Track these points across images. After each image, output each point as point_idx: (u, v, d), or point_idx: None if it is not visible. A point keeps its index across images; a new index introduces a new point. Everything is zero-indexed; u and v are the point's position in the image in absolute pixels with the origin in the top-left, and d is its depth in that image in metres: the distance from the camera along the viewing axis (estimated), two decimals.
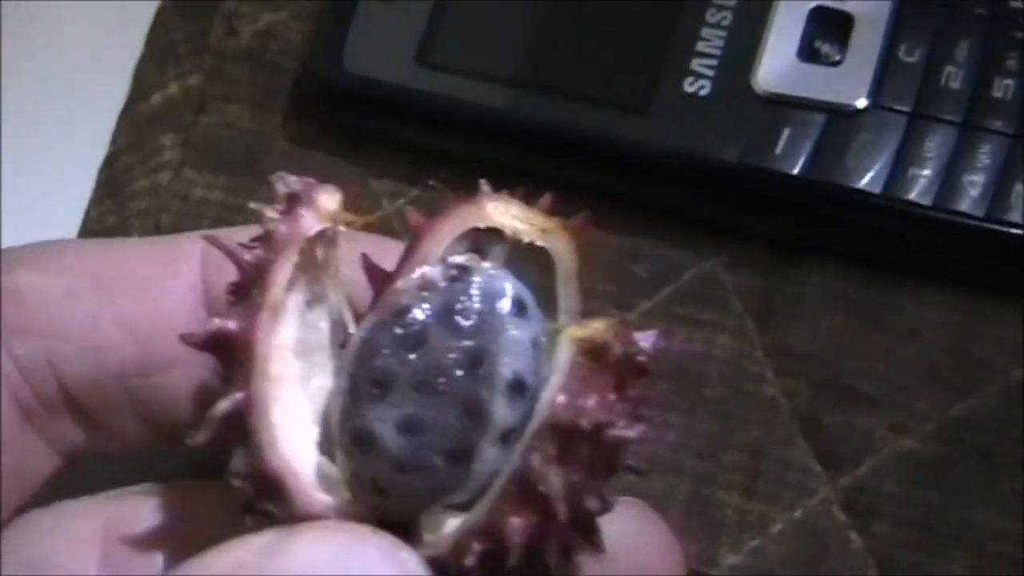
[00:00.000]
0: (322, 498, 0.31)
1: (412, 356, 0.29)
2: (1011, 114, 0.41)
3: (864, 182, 0.41)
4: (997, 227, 0.40)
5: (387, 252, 0.34)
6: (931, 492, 0.41)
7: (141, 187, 0.47)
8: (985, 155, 0.41)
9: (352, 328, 0.32)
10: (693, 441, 0.42)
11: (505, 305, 0.30)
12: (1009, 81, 0.41)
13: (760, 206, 0.42)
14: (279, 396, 0.31)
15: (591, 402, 0.28)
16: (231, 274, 0.36)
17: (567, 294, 0.32)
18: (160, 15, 0.50)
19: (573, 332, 0.29)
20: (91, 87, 0.50)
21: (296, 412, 0.32)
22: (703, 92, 0.42)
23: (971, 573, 0.40)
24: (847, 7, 0.42)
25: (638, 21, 0.43)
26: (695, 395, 0.43)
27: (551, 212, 0.31)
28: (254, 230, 0.37)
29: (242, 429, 0.30)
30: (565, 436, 0.28)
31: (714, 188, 0.42)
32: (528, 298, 0.31)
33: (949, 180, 0.41)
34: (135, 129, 0.48)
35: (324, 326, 0.32)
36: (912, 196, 0.41)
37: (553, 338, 0.30)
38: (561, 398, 0.28)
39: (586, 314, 0.31)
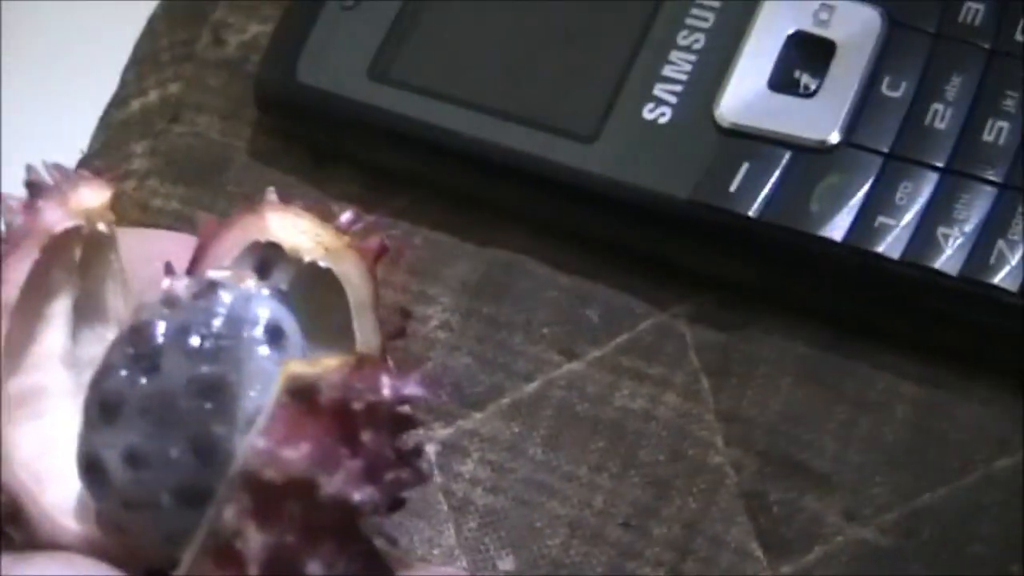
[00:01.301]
0: (72, 528, 0.28)
1: (143, 379, 0.26)
2: (1002, 161, 0.35)
3: (826, 229, 0.36)
4: (972, 289, 0.35)
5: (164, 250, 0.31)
6: None
7: None
8: (966, 206, 0.35)
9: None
10: (620, 508, 0.37)
11: (256, 331, 0.26)
12: (1004, 124, 0.35)
13: (712, 249, 0.38)
14: (34, 409, 0.28)
15: (298, 452, 0.24)
16: None
17: (363, 326, 0.28)
18: (152, 21, 0.48)
19: (292, 368, 0.25)
20: (84, 89, 0.48)
21: (63, 431, 0.29)
22: (662, 120, 0.38)
23: None
24: (829, 33, 0.38)
25: (602, 42, 0.39)
26: (629, 456, 0.38)
27: (349, 231, 0.28)
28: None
29: None
30: (261, 489, 0.24)
31: (664, 226, 0.38)
32: (289, 326, 0.27)
33: (922, 232, 0.35)
34: (110, 134, 0.46)
35: (110, 336, 0.29)
36: (879, 248, 0.36)
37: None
38: (259, 442, 0.25)
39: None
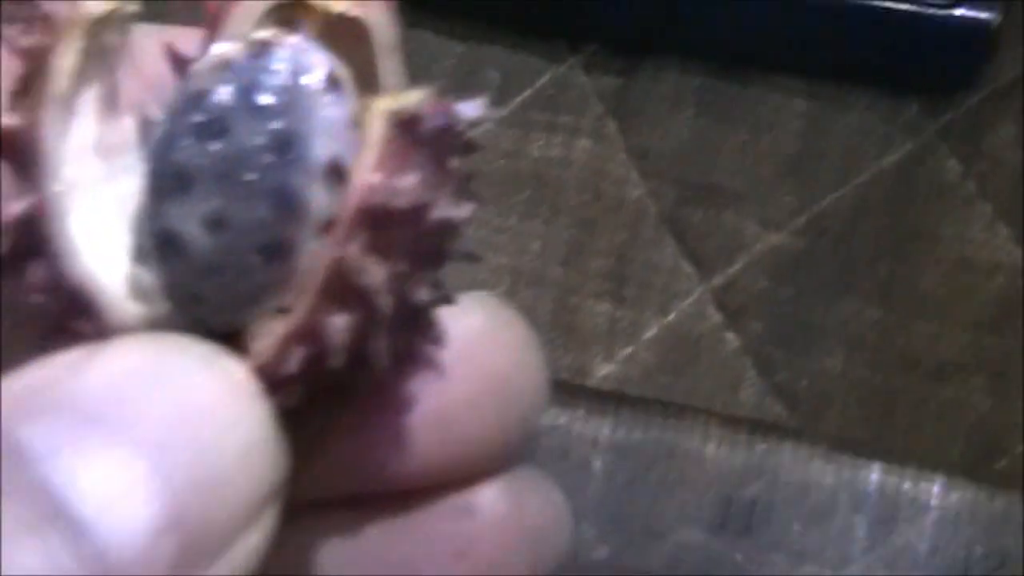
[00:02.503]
0: (137, 310, 0.28)
1: (214, 145, 0.26)
2: None
3: None
4: (860, 1, 0.38)
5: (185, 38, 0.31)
6: (804, 286, 0.40)
7: None
8: None
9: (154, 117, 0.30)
10: (555, 250, 0.40)
11: (315, 81, 0.27)
12: None
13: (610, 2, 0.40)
14: (78, 201, 0.28)
15: (409, 180, 0.26)
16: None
17: (388, 69, 0.29)
18: None
19: (385, 104, 0.26)
20: None
21: (103, 219, 0.29)
22: None
23: (846, 365, 0.39)
24: None
25: None
26: (555, 202, 0.41)
27: None
28: None
29: (35, 239, 0.27)
30: (383, 220, 0.26)
31: None
32: (342, 73, 0.28)
33: None
34: None
35: (129, 124, 0.29)
36: None
37: (364, 114, 0.27)
38: (375, 178, 0.26)
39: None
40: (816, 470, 0.38)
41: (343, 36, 0.29)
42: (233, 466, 0.25)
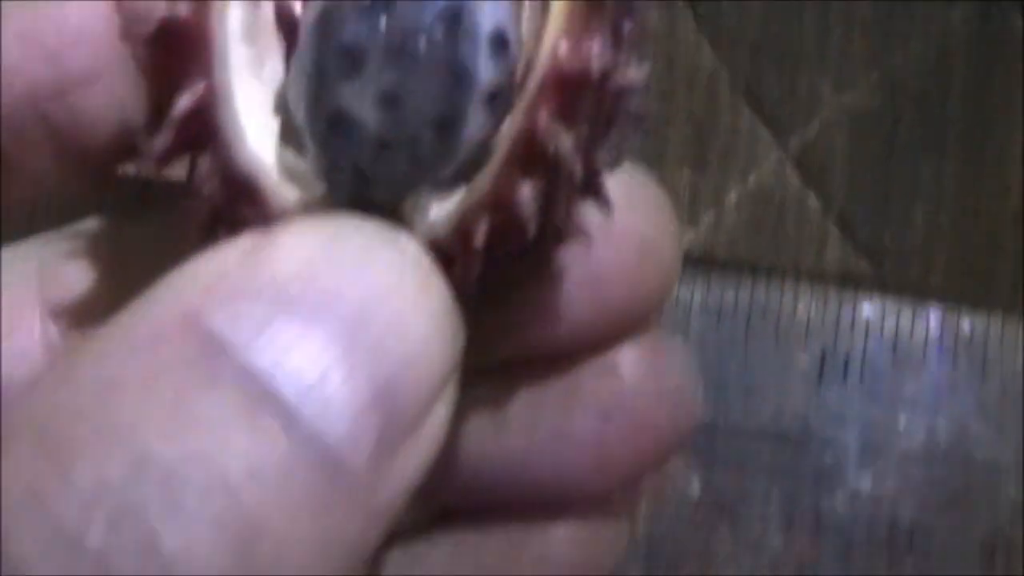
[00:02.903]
0: (295, 195, 0.28)
1: (380, 23, 0.26)
2: None
3: None
4: None
5: None
6: (881, 144, 0.40)
7: None
8: None
9: (299, 10, 0.29)
10: None
11: None
12: None
13: None
14: (239, 87, 0.28)
15: (596, 46, 0.26)
16: None
17: None
18: None
19: None
20: None
21: (253, 104, 0.29)
22: None
23: (927, 218, 0.40)
24: None
25: None
26: None
27: None
28: None
29: (205, 127, 0.27)
30: (571, 87, 0.26)
31: None
32: None
33: None
34: None
35: (267, 5, 0.29)
36: None
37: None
38: (563, 45, 0.26)
39: None
40: (905, 321, 0.39)
41: None
42: (422, 341, 0.25)
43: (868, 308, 0.39)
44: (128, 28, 0.28)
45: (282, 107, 0.29)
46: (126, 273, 0.32)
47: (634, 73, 0.27)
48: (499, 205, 0.26)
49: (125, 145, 0.34)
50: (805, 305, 0.39)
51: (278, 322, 0.25)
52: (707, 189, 0.40)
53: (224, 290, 0.25)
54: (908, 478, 0.38)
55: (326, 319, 0.25)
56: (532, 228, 0.26)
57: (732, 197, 0.40)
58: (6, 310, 0.33)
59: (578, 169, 0.26)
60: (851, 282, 0.39)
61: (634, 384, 0.32)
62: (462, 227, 0.27)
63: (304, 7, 0.29)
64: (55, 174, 0.34)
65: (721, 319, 0.39)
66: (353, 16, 0.27)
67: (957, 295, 0.39)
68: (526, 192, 0.26)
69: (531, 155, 0.26)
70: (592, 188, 0.28)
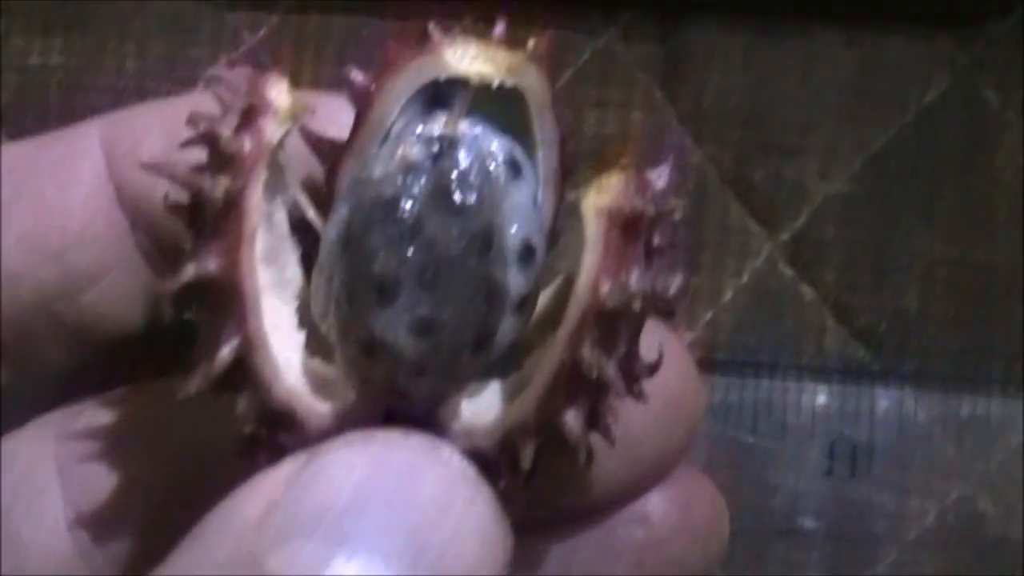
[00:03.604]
0: (329, 408, 0.28)
1: (411, 251, 0.26)
2: None
3: None
4: None
5: (316, 111, 0.31)
6: (870, 231, 0.41)
7: None
8: None
9: (311, 213, 0.29)
10: None
11: (499, 169, 0.27)
12: None
13: None
14: (267, 311, 0.28)
15: (634, 278, 0.26)
16: (145, 160, 0.32)
17: (543, 126, 0.29)
18: None
19: (596, 201, 0.26)
20: None
21: (280, 322, 0.29)
22: None
23: (921, 301, 0.41)
24: None
25: None
26: None
27: (509, 40, 0.29)
28: (157, 109, 0.33)
29: (243, 374, 0.27)
30: (613, 319, 0.26)
31: None
32: (518, 152, 0.28)
33: None
34: None
35: (281, 216, 0.29)
36: None
37: (574, 207, 0.27)
38: (605, 283, 0.26)
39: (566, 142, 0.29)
40: (908, 405, 0.40)
41: (494, 101, 0.29)
42: (476, 555, 0.26)
43: (870, 395, 0.40)
44: (158, 287, 0.27)
45: (306, 318, 0.29)
46: (142, 442, 0.32)
47: (670, 286, 0.27)
48: (544, 428, 0.27)
49: (136, 332, 0.34)
50: (810, 397, 0.40)
51: (337, 561, 0.25)
52: (703, 288, 0.41)
53: (277, 525, 0.25)
54: (921, 563, 0.39)
55: (385, 553, 0.25)
56: (581, 449, 0.27)
57: (728, 295, 0.41)
58: (23, 489, 0.33)
59: (620, 387, 0.27)
60: (852, 371, 0.40)
61: (665, 530, 0.33)
62: (507, 446, 0.27)
63: (324, 216, 0.29)
64: (66, 359, 0.34)
65: (728, 419, 0.40)
66: (383, 244, 0.26)
67: (956, 374, 0.40)
68: (572, 417, 0.26)
69: (575, 382, 0.26)
70: (632, 392, 0.28)
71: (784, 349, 0.40)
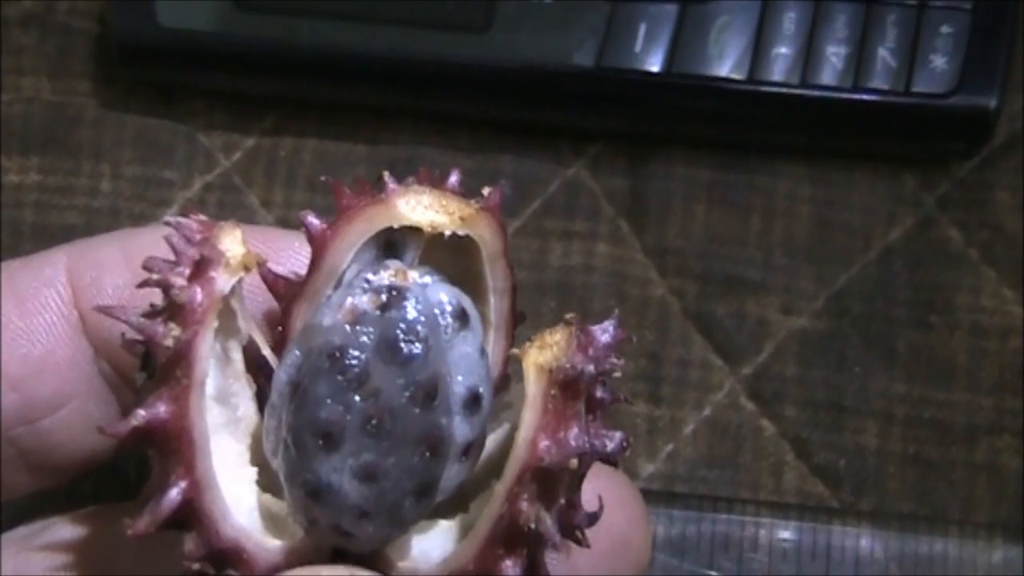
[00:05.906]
0: (278, 545, 0.28)
1: (358, 400, 0.27)
2: None
3: (728, 69, 0.40)
4: (864, 96, 0.40)
5: (274, 249, 0.32)
6: (831, 368, 0.41)
7: None
8: (844, 24, 0.40)
9: (266, 351, 0.30)
10: None
11: (447, 320, 0.28)
12: None
13: (620, 106, 0.41)
14: (217, 449, 0.28)
15: (572, 435, 0.27)
16: (108, 291, 0.33)
17: (496, 274, 0.30)
18: None
19: (536, 359, 0.27)
20: None
21: (231, 460, 0.29)
22: (547, 0, 0.40)
23: (880, 440, 0.41)
24: None
25: None
26: (582, 309, 0.41)
27: (462, 190, 0.29)
28: (121, 240, 0.34)
29: (191, 515, 0.27)
30: (550, 475, 0.27)
31: (569, 95, 0.41)
32: (466, 302, 0.28)
33: (813, 54, 0.40)
34: None
35: (237, 355, 0.29)
36: (778, 77, 0.40)
37: (513, 358, 0.28)
38: (543, 441, 0.26)
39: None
40: (865, 544, 0.40)
41: (448, 248, 0.29)
42: None
43: (828, 532, 0.40)
44: (107, 428, 0.27)
45: (259, 454, 0.29)
46: (101, 565, 0.32)
47: (609, 444, 0.27)
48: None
49: (97, 457, 0.34)
50: (767, 533, 0.40)
51: None
52: (664, 421, 0.41)
53: None
54: None
55: None
56: None
57: (689, 427, 0.41)
58: None
59: (557, 538, 0.27)
60: (810, 507, 0.40)
61: None
62: None
63: (277, 359, 0.29)
64: (26, 483, 0.34)
65: (686, 553, 0.40)
66: (329, 392, 0.27)
67: (913, 513, 0.40)
68: (509, 567, 0.27)
69: (513, 534, 0.27)
70: (571, 538, 0.28)
71: (743, 484, 0.41)
